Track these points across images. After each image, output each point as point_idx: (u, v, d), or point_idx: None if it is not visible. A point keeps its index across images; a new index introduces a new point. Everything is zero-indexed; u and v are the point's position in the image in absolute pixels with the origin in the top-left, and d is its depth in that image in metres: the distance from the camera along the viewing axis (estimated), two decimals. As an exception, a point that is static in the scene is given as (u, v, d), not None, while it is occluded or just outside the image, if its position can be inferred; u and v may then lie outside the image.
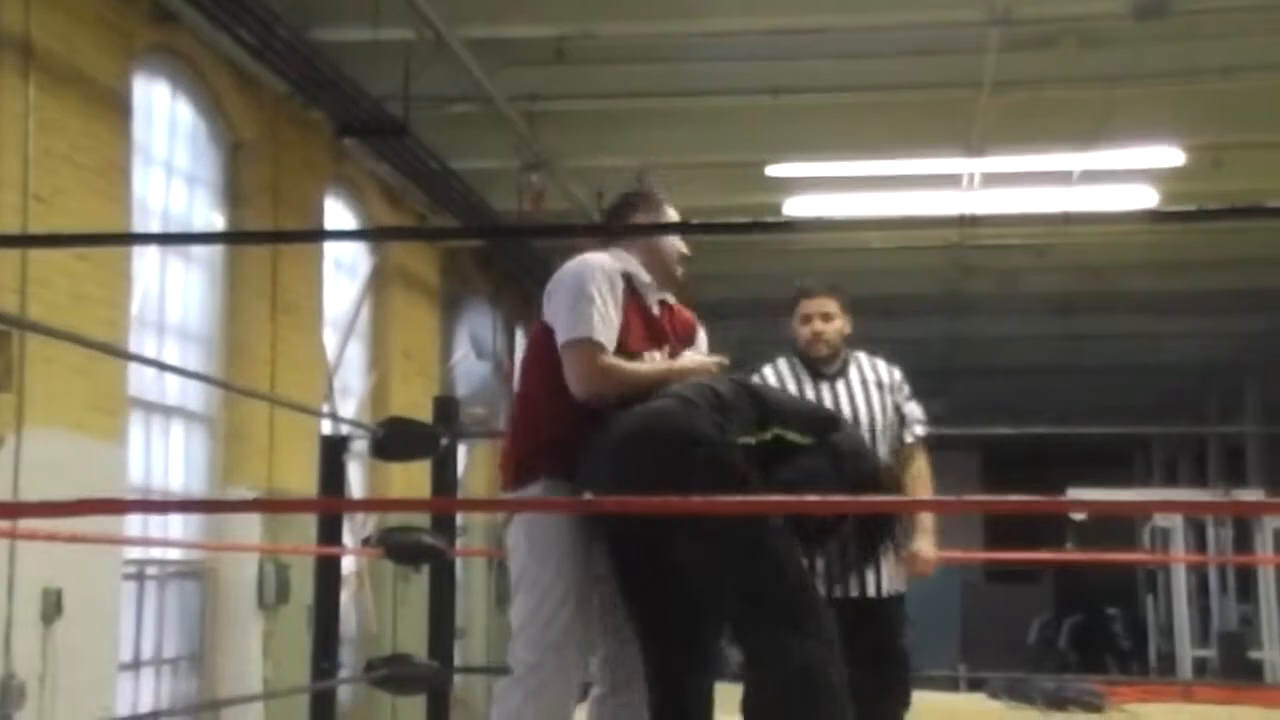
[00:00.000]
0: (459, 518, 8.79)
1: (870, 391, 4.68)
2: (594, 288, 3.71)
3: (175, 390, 8.28)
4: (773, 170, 10.98)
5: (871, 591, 4.48)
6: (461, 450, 8.72)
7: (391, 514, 8.42)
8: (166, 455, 8.24)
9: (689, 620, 3.68)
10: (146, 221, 7.82)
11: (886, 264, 13.33)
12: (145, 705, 7.78)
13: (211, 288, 8.75)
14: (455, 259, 12.49)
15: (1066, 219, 11.14)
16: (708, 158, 10.92)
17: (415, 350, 11.57)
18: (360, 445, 6.64)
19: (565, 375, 3.70)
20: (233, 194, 8.91)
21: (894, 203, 11.24)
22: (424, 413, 6.34)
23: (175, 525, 8.16)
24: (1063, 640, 21.37)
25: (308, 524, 7.58)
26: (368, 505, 11.01)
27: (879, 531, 3.97)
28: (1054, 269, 13.77)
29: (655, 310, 3.94)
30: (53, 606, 6.51)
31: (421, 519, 6.19)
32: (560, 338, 3.72)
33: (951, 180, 10.96)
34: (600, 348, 3.67)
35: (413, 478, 8.55)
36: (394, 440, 5.89)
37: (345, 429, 7.64)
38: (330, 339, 10.30)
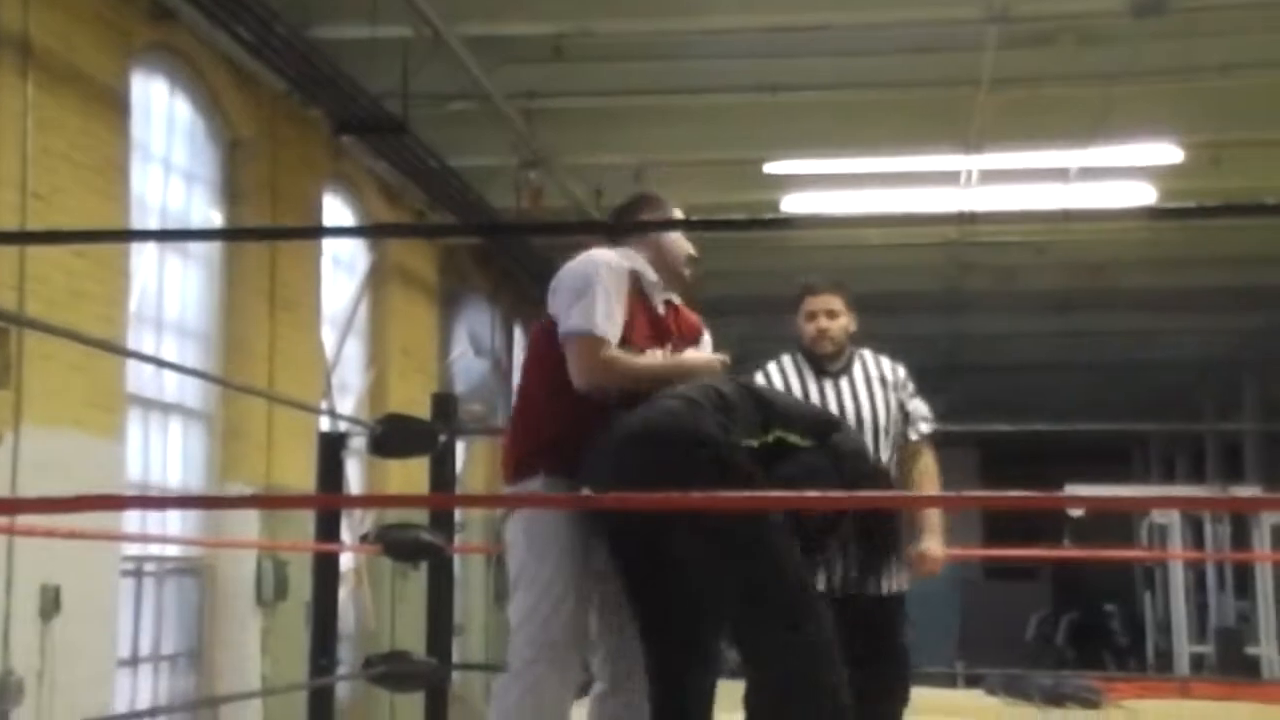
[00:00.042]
0: (457, 514, 8.80)
1: (874, 389, 4.68)
2: (600, 283, 3.71)
3: (173, 387, 8.29)
4: (771, 167, 10.98)
5: (872, 590, 4.48)
6: (459, 447, 8.72)
7: (390, 511, 8.45)
8: (165, 452, 8.24)
9: (690, 619, 3.68)
10: (145, 219, 7.82)
11: (885, 261, 13.33)
12: (143, 702, 7.79)
13: (210, 285, 8.76)
14: (453, 256, 12.49)
15: (1065, 216, 11.14)
16: (706, 155, 10.92)
17: (413, 347, 11.58)
18: (358, 442, 6.65)
19: (568, 367, 3.69)
20: (231, 191, 8.92)
21: (892, 200, 11.25)
22: (422, 409, 6.35)
23: (173, 522, 8.17)
24: (1060, 637, 21.38)
25: (306, 521, 7.59)
26: (366, 502, 11.03)
27: (879, 530, 3.97)
28: (1052, 266, 13.78)
29: (661, 310, 3.95)
30: (51, 603, 6.51)
31: (420, 516, 6.20)
32: (563, 329, 3.72)
33: (950, 177, 10.96)
34: (603, 340, 3.68)
35: (411, 474, 8.56)
36: (392, 437, 5.90)
37: (343, 426, 7.65)
38: (328, 336, 10.30)
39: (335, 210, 10.41)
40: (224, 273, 8.82)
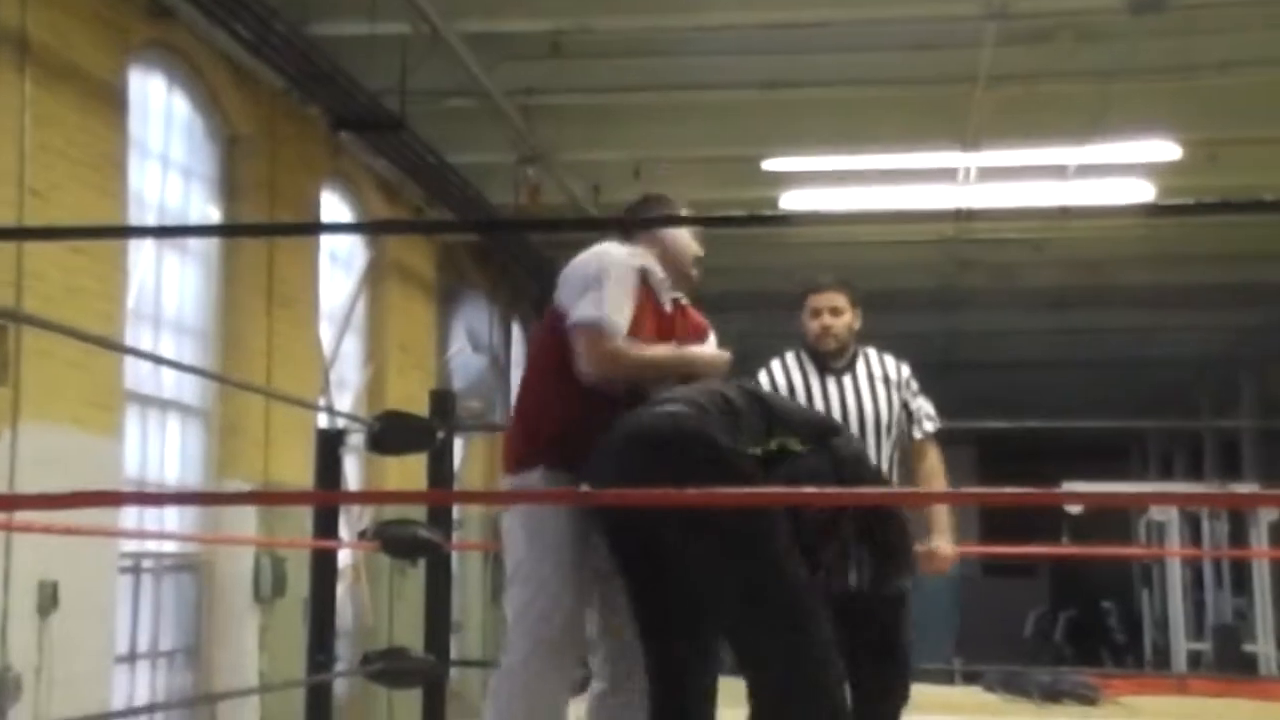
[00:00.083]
0: (455, 511, 8.81)
1: (877, 387, 4.68)
2: (611, 275, 3.73)
3: (171, 384, 8.28)
4: (769, 164, 10.98)
5: (873, 589, 4.48)
6: (458, 444, 8.72)
7: (388, 507, 8.44)
8: (162, 449, 8.24)
9: (690, 619, 3.67)
10: (142, 215, 7.81)
11: (882, 258, 13.32)
12: (141, 698, 7.79)
13: (207, 281, 8.75)
14: (451, 253, 12.49)
15: (1063, 213, 11.15)
16: (704, 152, 10.92)
17: (411, 344, 11.58)
18: (356, 438, 6.65)
19: (576, 356, 3.70)
20: (229, 188, 8.91)
21: (890, 197, 11.24)
22: (420, 406, 6.36)
23: (171, 518, 8.17)
24: (1058, 633, 21.37)
25: (304, 517, 7.58)
26: (364, 498, 11.02)
27: (880, 529, 3.97)
28: (1050, 263, 13.77)
29: (668, 308, 3.96)
30: (48, 599, 6.51)
31: (418, 512, 6.21)
32: (573, 318, 3.72)
33: (947, 174, 10.96)
34: (612, 331, 3.69)
35: (409, 471, 8.56)
36: (390, 433, 5.90)
37: (341, 422, 7.66)
38: (326, 333, 10.30)
39: (333, 207, 10.40)
40: (222, 269, 8.82)
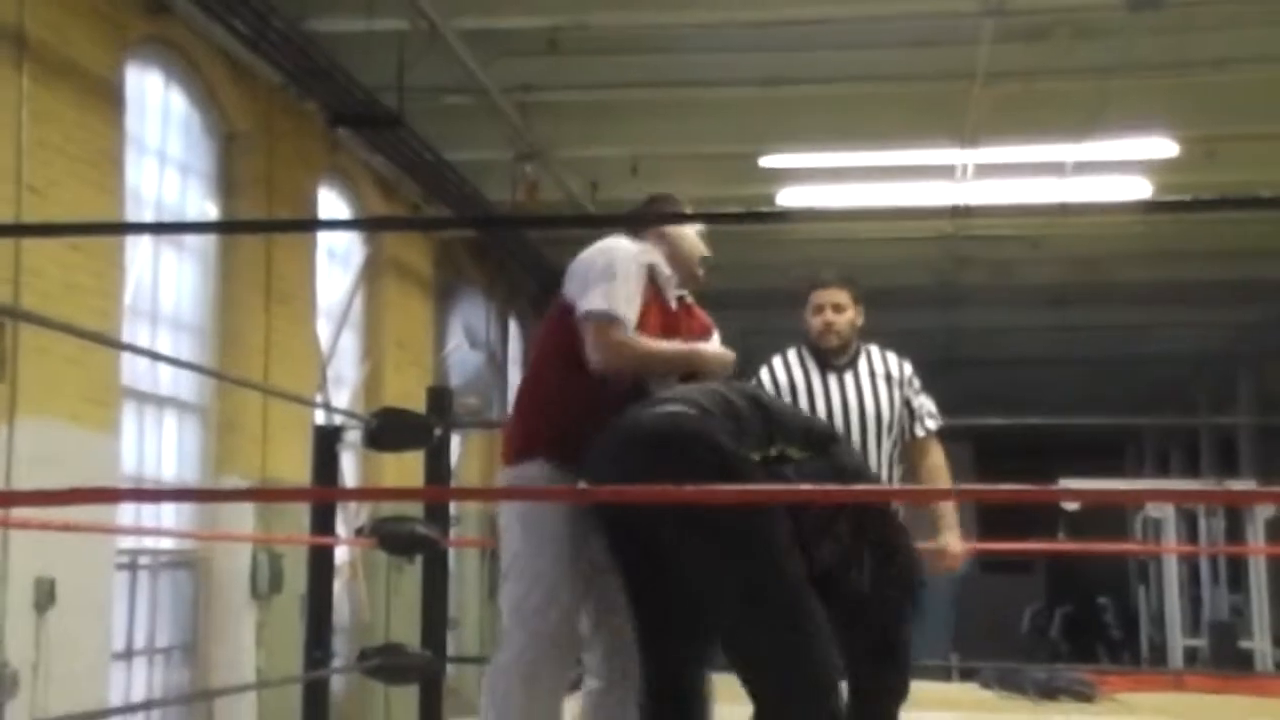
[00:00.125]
0: (452, 508, 8.81)
1: (879, 384, 4.68)
2: (620, 269, 3.74)
3: (168, 380, 8.28)
4: (766, 161, 10.98)
5: (867, 587, 4.48)
6: (455, 440, 8.73)
7: (385, 504, 8.43)
8: (160, 445, 8.24)
9: (689, 618, 3.66)
10: (140, 212, 7.81)
11: (880, 255, 13.33)
12: (138, 694, 7.79)
13: (205, 278, 8.75)
14: (449, 249, 12.49)
15: (1060, 210, 11.15)
16: (701, 148, 10.92)
17: (409, 340, 11.57)
18: (354, 435, 6.64)
19: (585, 347, 3.70)
20: (226, 185, 8.91)
21: (887, 193, 11.25)
22: (417, 403, 6.35)
23: (168, 515, 8.17)
24: (1055, 630, 21.42)
25: (301, 514, 7.58)
26: (361, 495, 11.02)
27: (874, 529, 3.96)
28: (1048, 260, 13.77)
29: (673, 306, 3.97)
30: (45, 595, 6.51)
31: (415, 509, 6.20)
32: (581, 309, 3.72)
33: (945, 171, 10.97)
34: (622, 322, 3.70)
35: (406, 468, 8.56)
36: (387, 430, 5.89)
37: (338, 419, 7.66)
38: (324, 329, 10.30)
39: (331, 203, 10.40)
40: (219, 266, 8.81)
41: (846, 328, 4.70)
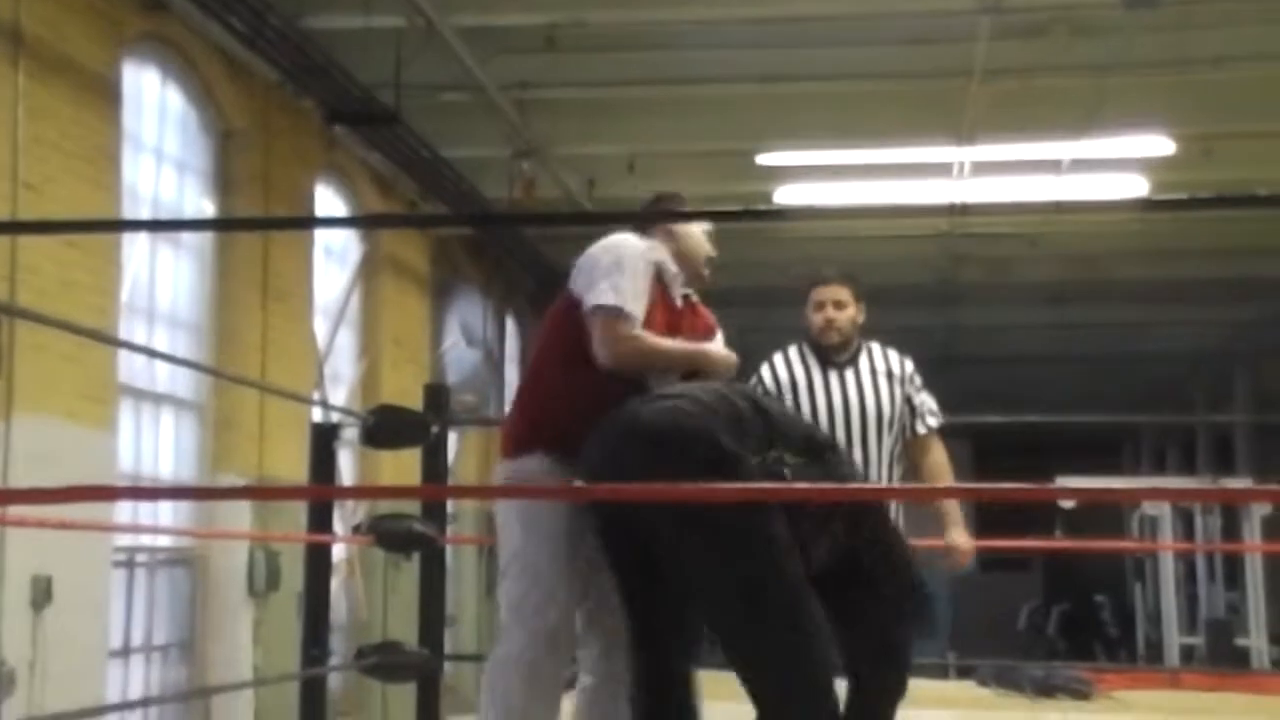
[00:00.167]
0: (449, 505, 8.81)
1: (879, 381, 4.68)
2: (627, 265, 3.74)
3: (165, 378, 8.27)
4: (763, 159, 10.98)
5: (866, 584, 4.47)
6: (452, 438, 8.73)
7: (382, 501, 8.42)
8: (157, 443, 8.23)
9: (685, 617, 3.66)
10: (136, 209, 7.80)
11: (878, 253, 13.30)
12: (135, 692, 7.78)
13: (202, 275, 8.74)
14: (446, 247, 12.48)
15: (1057, 208, 11.14)
16: (699, 146, 10.92)
17: (405, 338, 11.57)
18: (351, 433, 6.64)
19: (592, 342, 3.70)
20: (223, 182, 8.90)
21: (885, 191, 11.25)
22: (414, 400, 6.34)
23: (165, 512, 8.16)
24: (1051, 627, 21.42)
25: (298, 511, 7.58)
26: (358, 493, 11.02)
27: (867, 527, 3.96)
28: (1045, 258, 13.78)
29: (678, 304, 3.97)
30: (42, 593, 6.51)
31: (412, 506, 6.19)
32: (589, 303, 3.72)
33: (942, 169, 10.96)
34: (630, 318, 3.70)
35: (403, 465, 8.54)
36: (384, 428, 5.89)
37: (336, 416, 7.65)
38: (321, 326, 10.29)
39: (328, 201, 10.39)
40: (216, 263, 8.80)
41: (848, 324, 4.70)
